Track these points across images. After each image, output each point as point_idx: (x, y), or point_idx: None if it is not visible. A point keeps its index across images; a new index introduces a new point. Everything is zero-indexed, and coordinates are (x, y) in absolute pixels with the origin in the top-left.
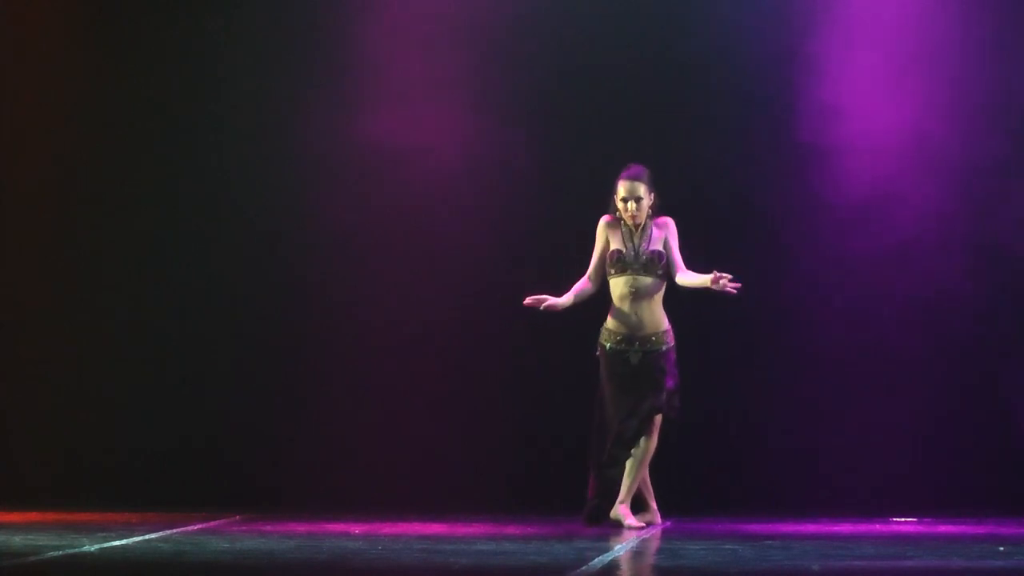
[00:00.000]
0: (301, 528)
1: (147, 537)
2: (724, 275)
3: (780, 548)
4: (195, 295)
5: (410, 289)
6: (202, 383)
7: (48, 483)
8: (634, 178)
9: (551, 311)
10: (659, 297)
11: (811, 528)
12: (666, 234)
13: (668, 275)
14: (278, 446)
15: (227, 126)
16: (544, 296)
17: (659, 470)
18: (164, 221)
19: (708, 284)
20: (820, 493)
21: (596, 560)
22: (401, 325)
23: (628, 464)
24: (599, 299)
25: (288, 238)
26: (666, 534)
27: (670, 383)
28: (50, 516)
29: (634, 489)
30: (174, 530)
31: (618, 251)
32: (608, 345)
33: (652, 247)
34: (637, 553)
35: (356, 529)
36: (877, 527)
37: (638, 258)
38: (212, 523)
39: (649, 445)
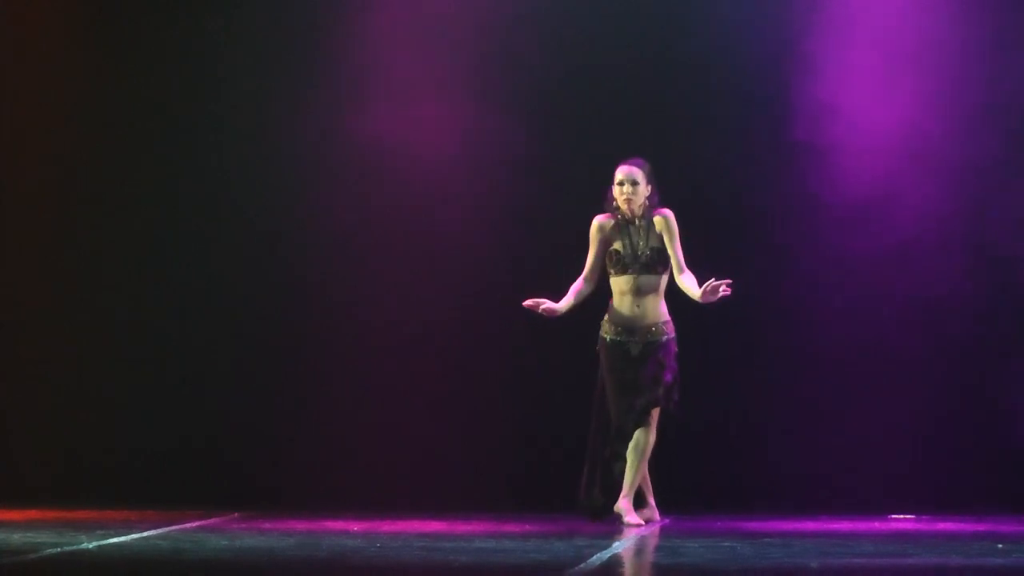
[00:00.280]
0: (300, 526)
1: (146, 534)
2: (712, 284)
3: (779, 546)
4: (195, 295)
5: (410, 289)
6: (202, 383)
7: (48, 483)
8: (632, 164)
9: (550, 315)
10: (661, 291)
11: (810, 526)
12: (665, 232)
13: (668, 269)
14: (278, 446)
15: (227, 126)
16: (543, 300)
17: (658, 468)
18: (164, 221)
19: (699, 299)
20: (820, 492)
21: (595, 557)
22: (401, 325)
23: (629, 458)
24: (597, 298)
25: (288, 238)
26: (665, 531)
27: (668, 377)
28: (49, 514)
29: (636, 483)
30: (173, 528)
31: (616, 252)
32: (608, 337)
33: (651, 245)
34: (636, 551)
35: (355, 527)
36: (876, 525)
37: (637, 259)
38: (211, 521)
39: (648, 439)
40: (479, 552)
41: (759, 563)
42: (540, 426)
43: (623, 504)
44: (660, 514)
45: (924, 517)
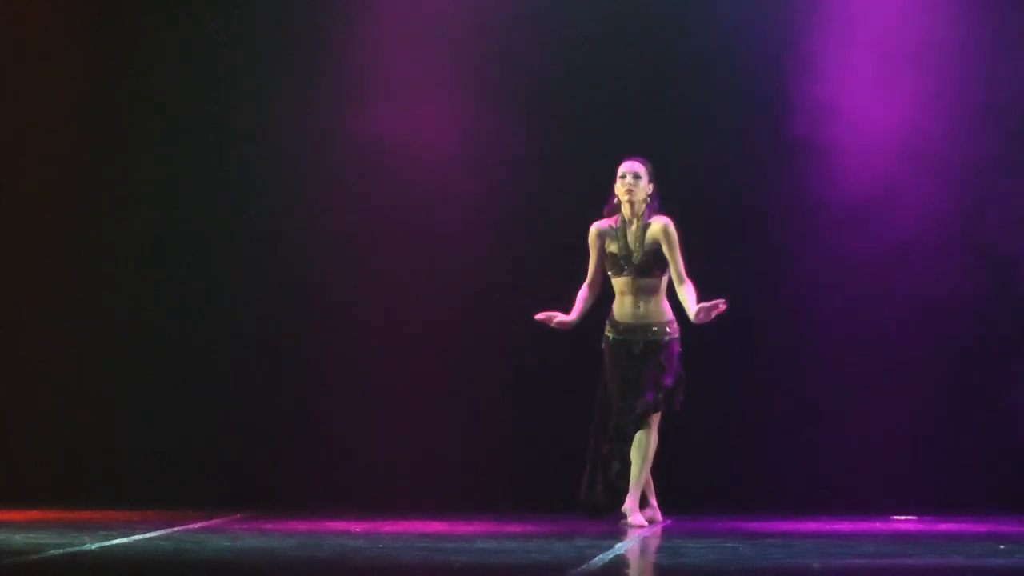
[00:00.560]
0: (302, 526)
1: (148, 535)
2: (705, 307)
3: (781, 546)
4: (195, 295)
5: (410, 289)
6: (202, 383)
7: (48, 483)
8: (635, 159)
9: (562, 328)
10: (660, 291)
11: (812, 526)
12: (663, 242)
13: (666, 270)
14: (278, 446)
15: (227, 126)
16: (555, 313)
17: (659, 468)
18: (164, 221)
19: (692, 319)
20: (820, 493)
21: (597, 558)
22: (401, 325)
23: (633, 458)
24: (599, 298)
25: (288, 238)
26: (667, 532)
27: (668, 380)
28: (51, 514)
29: (642, 483)
30: (175, 528)
31: (612, 254)
32: (612, 336)
33: (646, 248)
34: (638, 551)
35: (357, 527)
36: (877, 525)
37: (631, 261)
38: (213, 521)
39: (649, 440)
40: (480, 552)
41: (761, 563)
42: (540, 426)
43: (629, 504)
44: (662, 515)
45: (925, 518)
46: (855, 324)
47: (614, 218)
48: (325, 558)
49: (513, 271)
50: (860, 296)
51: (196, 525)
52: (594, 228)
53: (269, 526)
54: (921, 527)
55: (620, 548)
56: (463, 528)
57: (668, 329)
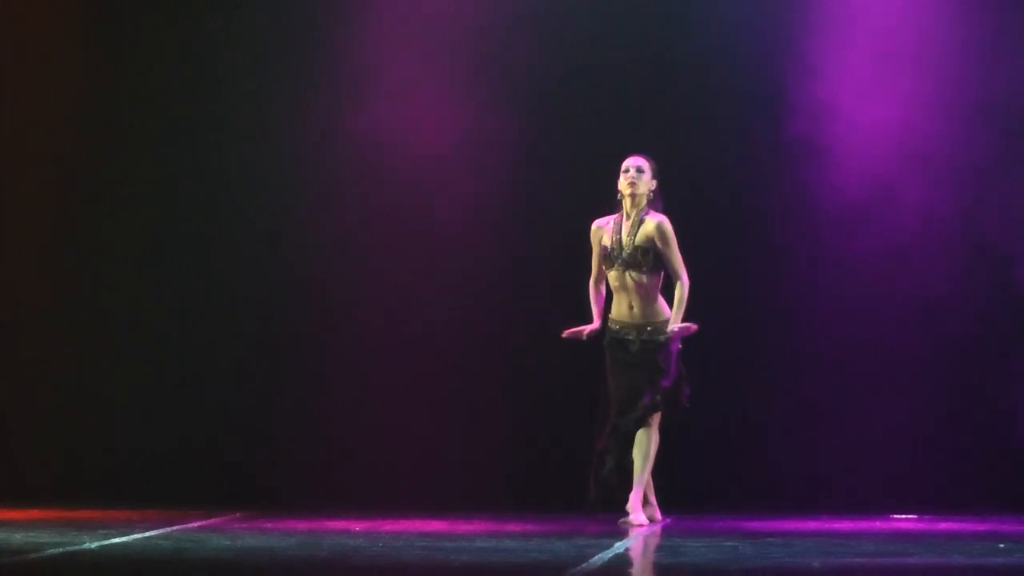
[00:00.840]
0: (302, 525)
1: (148, 534)
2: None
3: (781, 545)
4: (195, 295)
5: (410, 289)
6: (202, 383)
7: (48, 483)
8: (638, 155)
9: (593, 338)
10: (653, 289)
11: (812, 525)
12: (658, 240)
13: (658, 268)
14: (278, 446)
15: (227, 126)
16: (581, 328)
17: (660, 468)
18: (164, 221)
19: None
20: (820, 493)
21: (596, 557)
22: (401, 325)
23: (635, 457)
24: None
25: (288, 238)
26: (667, 531)
27: (665, 383)
28: (51, 513)
29: (644, 480)
30: (175, 527)
31: (605, 247)
32: (610, 334)
33: (637, 243)
34: (638, 550)
35: (357, 526)
36: (878, 524)
37: (620, 254)
38: (213, 520)
39: (651, 439)
40: (480, 552)
41: (761, 562)
42: (540, 426)
43: (632, 501)
44: (662, 513)
45: (926, 517)
46: (855, 324)
47: (617, 215)
48: (325, 557)
49: (513, 271)
50: (860, 296)
51: (196, 524)
52: (594, 224)
53: (269, 525)
54: (921, 526)
55: (620, 547)
56: (463, 527)
57: (664, 328)
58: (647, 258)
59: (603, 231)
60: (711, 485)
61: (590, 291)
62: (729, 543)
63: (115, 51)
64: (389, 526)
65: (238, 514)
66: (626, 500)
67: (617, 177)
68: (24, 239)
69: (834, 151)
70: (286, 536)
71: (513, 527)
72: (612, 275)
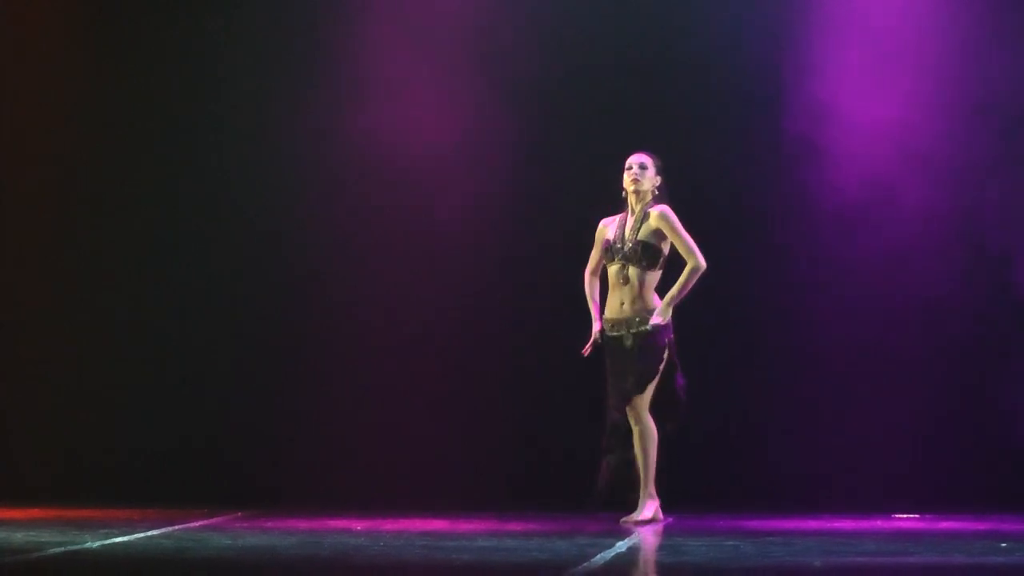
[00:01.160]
0: (303, 525)
1: (149, 533)
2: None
3: (782, 544)
4: (195, 295)
5: (410, 289)
6: (202, 383)
7: (48, 483)
8: (641, 151)
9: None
10: (648, 285)
11: (813, 524)
12: (664, 228)
13: (656, 266)
14: (278, 446)
15: (227, 126)
16: (594, 338)
17: (660, 467)
18: (164, 221)
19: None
20: (820, 493)
21: (598, 556)
22: (401, 325)
23: (636, 455)
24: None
25: (288, 238)
26: (668, 530)
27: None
28: (52, 513)
29: (650, 475)
30: (176, 527)
31: (608, 241)
32: (605, 332)
33: (639, 238)
34: (639, 550)
35: (358, 525)
36: (879, 523)
37: (622, 248)
38: (214, 520)
39: (647, 435)
40: (481, 551)
41: (762, 562)
42: (540, 426)
43: (642, 502)
44: (664, 513)
45: (926, 516)
46: (855, 324)
47: (623, 213)
48: (326, 556)
49: (513, 271)
50: (860, 296)
51: (197, 524)
52: (601, 222)
53: (270, 524)
54: (922, 525)
55: (621, 546)
56: (464, 526)
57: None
58: (647, 253)
59: (608, 227)
60: (712, 485)
61: (585, 282)
62: (730, 542)
63: (115, 51)
64: (390, 525)
65: (239, 513)
66: (629, 498)
67: (621, 175)
68: (24, 239)
69: (834, 151)
70: (287, 535)
71: (514, 526)
72: (612, 269)
